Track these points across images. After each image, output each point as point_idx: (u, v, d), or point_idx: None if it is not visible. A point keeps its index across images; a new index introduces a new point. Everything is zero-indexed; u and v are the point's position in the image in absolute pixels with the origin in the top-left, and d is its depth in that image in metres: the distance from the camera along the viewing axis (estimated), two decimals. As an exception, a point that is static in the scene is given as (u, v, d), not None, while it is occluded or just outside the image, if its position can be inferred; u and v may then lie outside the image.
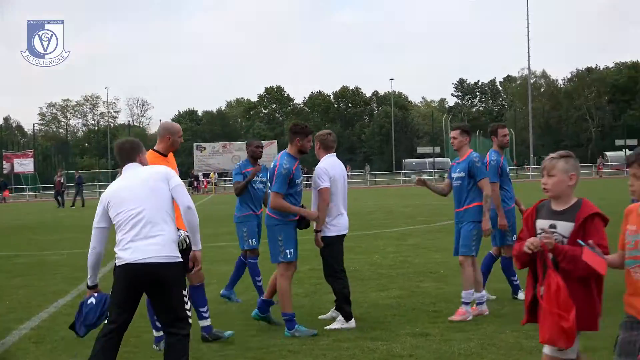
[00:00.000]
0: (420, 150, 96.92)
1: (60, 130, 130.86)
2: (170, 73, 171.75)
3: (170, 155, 7.96)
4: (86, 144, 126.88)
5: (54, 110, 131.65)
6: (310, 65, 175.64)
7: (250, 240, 10.17)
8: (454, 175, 9.22)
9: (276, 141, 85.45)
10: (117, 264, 5.93)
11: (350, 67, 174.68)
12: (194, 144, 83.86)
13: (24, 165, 73.73)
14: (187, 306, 6.54)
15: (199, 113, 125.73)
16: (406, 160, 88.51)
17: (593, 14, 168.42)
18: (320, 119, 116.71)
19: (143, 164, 6.34)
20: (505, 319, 8.65)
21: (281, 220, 8.20)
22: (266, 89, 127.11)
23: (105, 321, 6.05)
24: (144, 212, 5.89)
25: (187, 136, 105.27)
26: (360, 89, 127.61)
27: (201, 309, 7.99)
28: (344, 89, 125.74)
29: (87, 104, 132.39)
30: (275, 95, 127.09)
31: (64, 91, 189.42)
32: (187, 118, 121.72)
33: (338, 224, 8.59)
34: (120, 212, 5.95)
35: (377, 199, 41.75)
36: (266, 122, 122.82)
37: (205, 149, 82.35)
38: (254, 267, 10.29)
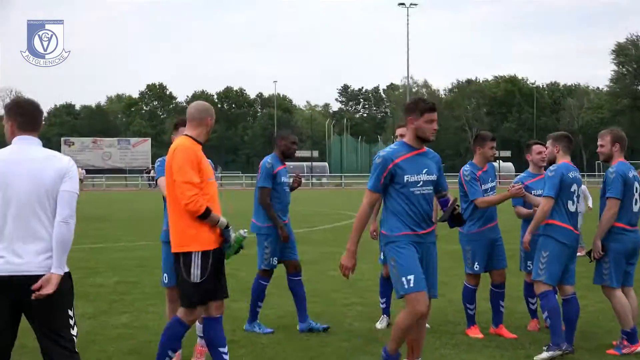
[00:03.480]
0: (299, 154, 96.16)
1: None
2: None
3: None
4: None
5: None
6: (193, 65, 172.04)
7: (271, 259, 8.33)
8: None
9: (149, 139, 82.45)
10: None
11: (235, 68, 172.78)
12: (62, 139, 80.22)
13: None
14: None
15: (77, 107, 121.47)
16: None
17: (473, 30, 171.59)
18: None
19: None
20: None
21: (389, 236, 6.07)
22: (148, 85, 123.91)
23: None
24: None
25: (64, 131, 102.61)
26: (245, 90, 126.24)
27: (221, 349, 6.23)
28: (228, 90, 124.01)
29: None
30: (157, 92, 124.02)
31: None
32: (64, 112, 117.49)
33: None
34: None
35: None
36: (147, 119, 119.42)
37: (73, 143, 78.87)
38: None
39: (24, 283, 4.59)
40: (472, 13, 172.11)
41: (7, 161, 4.78)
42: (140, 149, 79.87)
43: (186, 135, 6.04)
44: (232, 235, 5.92)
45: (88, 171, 70.27)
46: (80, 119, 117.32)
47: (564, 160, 7.56)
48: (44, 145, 5.05)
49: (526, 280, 8.59)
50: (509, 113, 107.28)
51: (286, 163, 8.47)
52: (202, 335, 6.85)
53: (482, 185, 8.22)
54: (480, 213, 8.20)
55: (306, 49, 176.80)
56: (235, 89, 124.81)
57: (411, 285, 5.78)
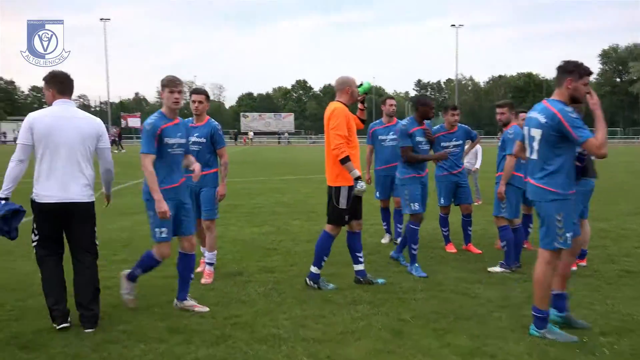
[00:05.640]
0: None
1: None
2: (233, 67, 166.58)
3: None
4: (185, 111, 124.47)
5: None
6: (324, 68, 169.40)
7: (412, 204, 5.85)
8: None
9: (293, 113, 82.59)
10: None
11: (352, 68, 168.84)
12: (241, 113, 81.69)
13: (134, 122, 71.72)
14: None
15: (255, 95, 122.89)
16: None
17: (502, 42, 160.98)
18: (329, 101, 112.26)
19: None
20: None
21: (560, 195, 3.87)
22: (297, 80, 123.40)
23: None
24: None
25: (246, 109, 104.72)
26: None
27: (357, 254, 5.41)
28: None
29: (186, 86, 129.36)
30: (301, 84, 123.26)
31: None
32: (247, 97, 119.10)
33: None
34: None
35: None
36: (295, 102, 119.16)
37: (248, 116, 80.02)
38: (413, 233, 5.88)
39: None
40: (503, 31, 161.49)
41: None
42: (287, 120, 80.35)
43: (338, 100, 5.19)
44: (360, 186, 4.99)
45: (255, 133, 70.99)
46: (256, 102, 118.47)
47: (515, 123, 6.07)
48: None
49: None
50: (526, 97, 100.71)
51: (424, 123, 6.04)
52: (209, 262, 5.64)
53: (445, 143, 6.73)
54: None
55: (394, 57, 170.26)
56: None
57: (568, 242, 3.91)
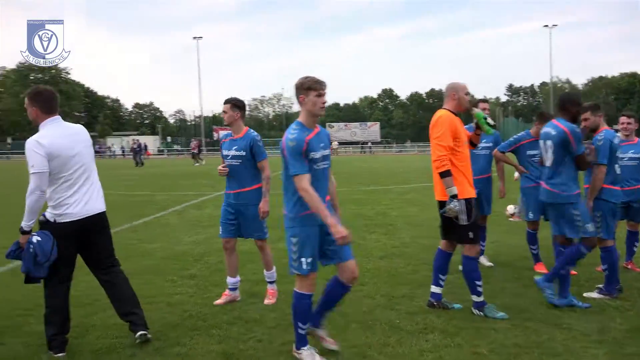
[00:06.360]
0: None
1: (259, 114, 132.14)
2: (320, 78, 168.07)
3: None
4: (274, 123, 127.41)
5: (255, 102, 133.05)
6: (409, 75, 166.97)
7: (588, 225, 4.87)
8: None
9: (378, 122, 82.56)
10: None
11: (435, 74, 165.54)
12: (327, 123, 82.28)
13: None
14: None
15: (341, 105, 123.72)
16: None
17: (600, 39, 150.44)
18: (415, 109, 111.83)
19: None
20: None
21: None
22: (382, 89, 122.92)
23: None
24: None
25: (333, 119, 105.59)
26: (441, 88, 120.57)
27: (441, 275, 4.93)
28: (432, 90, 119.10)
29: (275, 98, 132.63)
30: (388, 93, 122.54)
31: (259, 91, 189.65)
32: (333, 108, 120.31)
33: None
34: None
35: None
36: (382, 110, 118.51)
37: (333, 127, 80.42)
38: (579, 257, 4.97)
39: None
40: (601, 30, 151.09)
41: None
42: (373, 129, 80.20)
43: (444, 108, 4.76)
44: (454, 205, 4.45)
45: (340, 143, 70.89)
46: (342, 112, 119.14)
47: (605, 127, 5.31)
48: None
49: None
50: (631, 98, 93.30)
51: None
52: (270, 281, 5.31)
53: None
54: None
55: (484, 62, 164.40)
56: (437, 89, 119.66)
57: None
